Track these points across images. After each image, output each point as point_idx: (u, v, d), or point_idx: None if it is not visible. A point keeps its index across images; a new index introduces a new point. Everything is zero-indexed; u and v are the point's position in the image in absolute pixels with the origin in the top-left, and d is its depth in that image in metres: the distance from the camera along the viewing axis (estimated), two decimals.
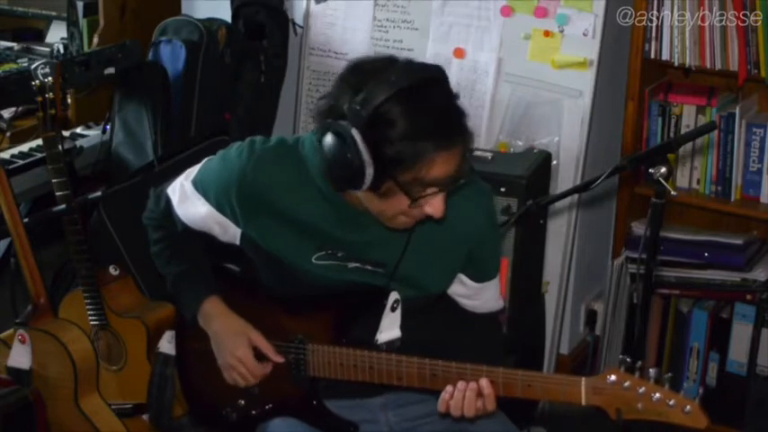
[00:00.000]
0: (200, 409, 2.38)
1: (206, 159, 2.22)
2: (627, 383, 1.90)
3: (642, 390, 1.89)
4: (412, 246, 2.09)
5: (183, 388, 2.40)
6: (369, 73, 1.90)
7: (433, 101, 1.89)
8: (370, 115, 1.85)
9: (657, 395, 1.88)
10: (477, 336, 2.25)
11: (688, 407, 1.87)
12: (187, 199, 2.21)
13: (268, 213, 2.10)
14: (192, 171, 2.22)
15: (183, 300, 2.29)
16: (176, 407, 2.73)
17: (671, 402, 1.88)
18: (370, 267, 2.12)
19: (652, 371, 1.89)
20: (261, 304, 2.22)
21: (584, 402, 1.93)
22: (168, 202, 2.26)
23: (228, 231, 2.18)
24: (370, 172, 1.88)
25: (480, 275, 2.22)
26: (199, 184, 2.18)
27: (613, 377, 1.91)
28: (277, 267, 2.15)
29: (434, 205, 1.95)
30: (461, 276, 2.20)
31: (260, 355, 2.19)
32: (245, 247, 2.18)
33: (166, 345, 2.66)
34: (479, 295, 2.25)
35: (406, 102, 1.86)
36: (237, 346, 2.18)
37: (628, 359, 1.91)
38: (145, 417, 2.82)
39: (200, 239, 2.25)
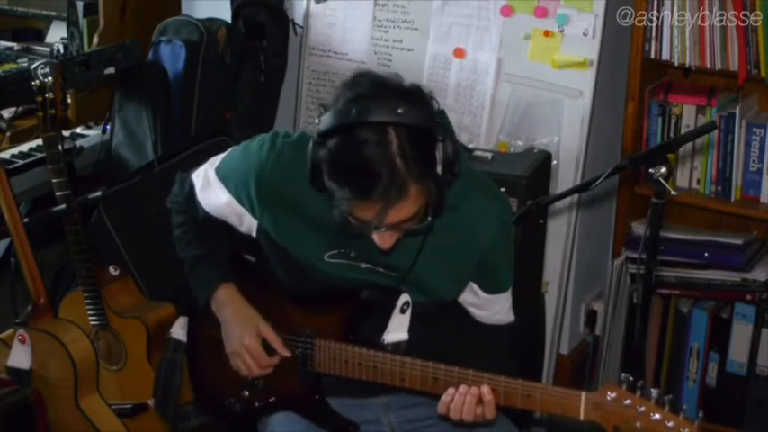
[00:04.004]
0: (206, 397, 2.39)
1: (231, 148, 2.24)
2: (627, 401, 1.88)
3: (642, 409, 1.87)
4: (425, 251, 2.09)
5: (191, 375, 2.41)
6: (346, 92, 1.90)
7: (360, 149, 1.84)
8: (318, 136, 1.89)
9: (657, 416, 1.86)
10: (484, 347, 2.24)
11: (686, 430, 1.84)
12: (209, 186, 2.22)
13: (283, 208, 2.11)
14: (217, 159, 2.24)
15: (198, 284, 2.29)
16: (183, 394, 2.73)
17: (669, 424, 1.85)
18: (381, 269, 2.13)
19: (653, 391, 1.87)
20: (274, 297, 2.23)
21: (582, 417, 1.92)
22: (192, 187, 2.27)
23: (245, 222, 2.19)
24: (315, 181, 1.93)
25: (491, 286, 2.21)
26: (221, 173, 2.20)
27: (614, 394, 1.89)
28: (289, 262, 2.16)
29: (380, 238, 1.96)
30: (473, 285, 2.19)
31: (268, 348, 2.19)
32: (260, 239, 2.19)
33: (179, 331, 2.65)
34: (489, 306, 2.24)
35: (339, 141, 1.87)
36: (245, 334, 2.19)
37: (630, 377, 1.89)
38: (150, 402, 2.82)
39: (220, 227, 2.26)
